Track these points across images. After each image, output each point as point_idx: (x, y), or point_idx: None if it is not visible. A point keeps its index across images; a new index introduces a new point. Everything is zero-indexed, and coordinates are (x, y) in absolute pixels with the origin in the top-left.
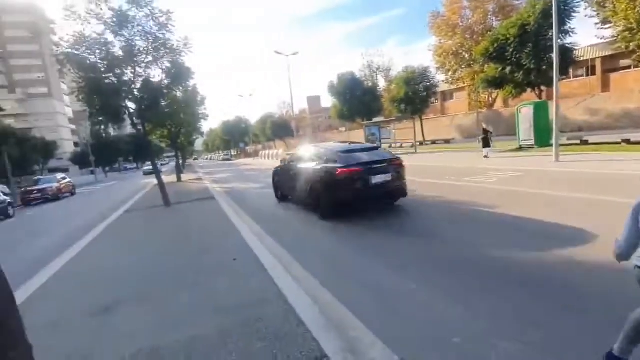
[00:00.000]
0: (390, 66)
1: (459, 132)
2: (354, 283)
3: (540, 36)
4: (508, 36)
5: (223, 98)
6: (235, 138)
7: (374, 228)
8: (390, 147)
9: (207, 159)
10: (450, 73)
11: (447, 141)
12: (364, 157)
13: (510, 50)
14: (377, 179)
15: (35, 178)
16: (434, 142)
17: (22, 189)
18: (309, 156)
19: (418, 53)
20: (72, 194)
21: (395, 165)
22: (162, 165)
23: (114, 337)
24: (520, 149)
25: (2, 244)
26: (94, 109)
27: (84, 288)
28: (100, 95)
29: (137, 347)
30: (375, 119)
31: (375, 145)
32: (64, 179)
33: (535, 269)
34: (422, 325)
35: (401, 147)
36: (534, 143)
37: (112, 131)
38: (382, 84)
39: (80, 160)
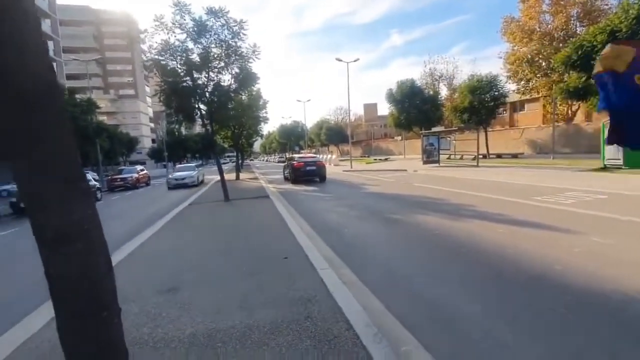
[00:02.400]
0: (453, 74)
1: (531, 146)
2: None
3: None
4: (595, 43)
5: (282, 102)
6: (291, 141)
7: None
8: (448, 158)
9: (264, 160)
10: (522, 82)
11: (514, 155)
12: (306, 159)
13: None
14: (309, 167)
15: (120, 168)
16: (499, 156)
17: (109, 177)
18: (291, 158)
19: (486, 61)
20: (147, 184)
21: (318, 164)
22: (222, 164)
23: (175, 316)
24: (605, 168)
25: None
26: (171, 109)
27: (152, 269)
28: (178, 96)
29: (195, 328)
30: (435, 129)
31: (314, 155)
32: (142, 170)
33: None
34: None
35: (461, 159)
36: (622, 163)
37: (183, 130)
38: (444, 92)
39: (155, 154)
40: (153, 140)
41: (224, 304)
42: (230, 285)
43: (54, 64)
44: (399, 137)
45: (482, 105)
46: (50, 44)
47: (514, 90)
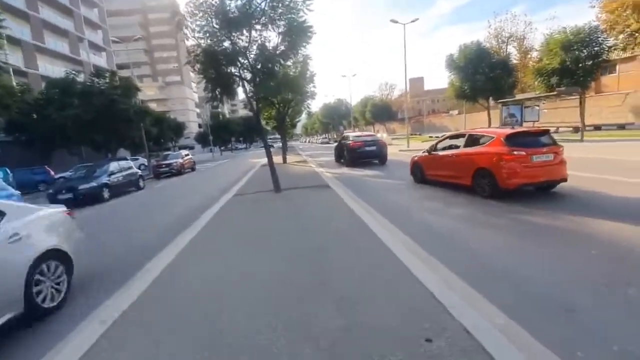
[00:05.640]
0: (525, 34)
1: (637, 114)
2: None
3: None
4: None
5: (323, 79)
6: (335, 121)
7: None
8: None
9: (306, 141)
10: (621, 36)
11: (621, 126)
12: (365, 138)
13: None
14: (368, 147)
15: (165, 153)
16: (597, 128)
17: (155, 163)
18: (346, 138)
19: (556, 21)
20: (193, 169)
21: (379, 143)
22: (262, 147)
23: None
24: None
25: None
26: (209, 79)
27: (158, 343)
28: (214, 63)
29: None
30: (520, 96)
31: (372, 134)
32: (187, 155)
33: None
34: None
35: (556, 132)
36: None
37: (227, 113)
38: (513, 56)
39: (202, 139)
40: (199, 125)
41: None
42: None
43: (104, 53)
44: (455, 112)
45: (577, 65)
46: (99, 32)
47: (611, 47)
